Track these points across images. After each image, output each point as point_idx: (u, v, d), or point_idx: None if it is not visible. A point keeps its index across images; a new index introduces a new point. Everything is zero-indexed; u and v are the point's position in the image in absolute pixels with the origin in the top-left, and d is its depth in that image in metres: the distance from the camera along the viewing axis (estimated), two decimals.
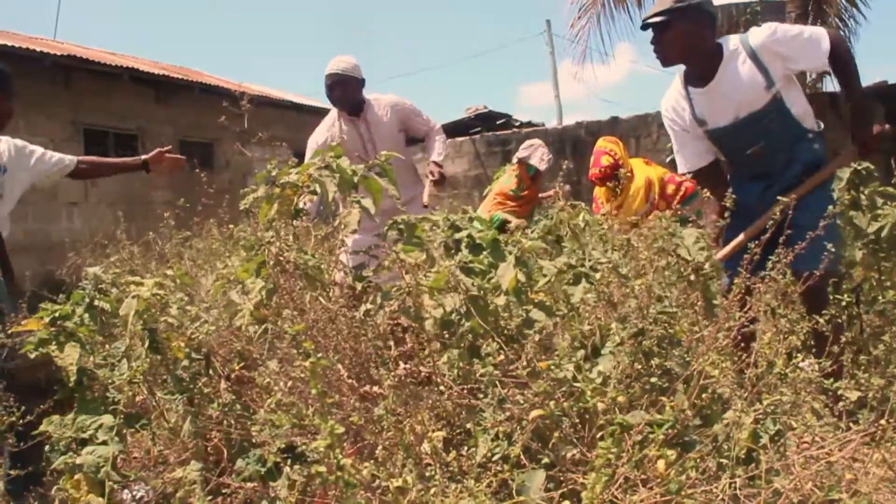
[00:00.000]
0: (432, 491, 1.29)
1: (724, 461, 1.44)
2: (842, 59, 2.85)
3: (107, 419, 2.41)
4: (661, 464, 1.20)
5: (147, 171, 3.60)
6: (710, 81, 2.99)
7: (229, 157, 12.98)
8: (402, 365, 1.79)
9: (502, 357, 1.65)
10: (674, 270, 2.21)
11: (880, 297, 3.07)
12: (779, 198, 2.41)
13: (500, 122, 14.32)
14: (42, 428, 2.41)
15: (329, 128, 4.44)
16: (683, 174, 3.26)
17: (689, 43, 2.97)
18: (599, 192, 5.40)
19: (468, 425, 1.67)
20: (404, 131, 4.48)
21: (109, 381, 2.46)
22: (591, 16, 10.00)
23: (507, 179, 6.19)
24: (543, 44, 23.28)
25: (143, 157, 3.60)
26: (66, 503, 2.05)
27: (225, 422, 2.06)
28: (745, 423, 1.62)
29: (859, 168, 3.06)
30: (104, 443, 2.30)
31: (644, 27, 3.03)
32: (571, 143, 11.11)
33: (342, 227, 2.52)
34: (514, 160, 6.20)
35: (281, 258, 2.11)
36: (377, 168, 2.50)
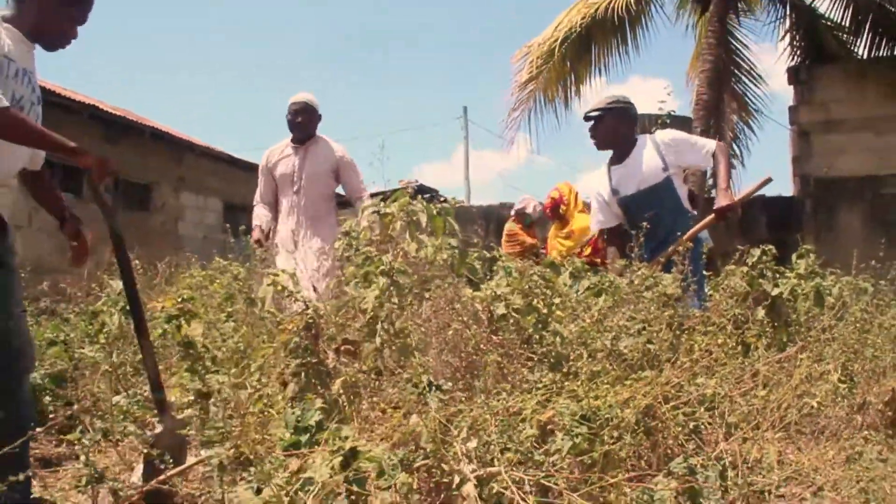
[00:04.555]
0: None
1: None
2: (718, 158, 4.09)
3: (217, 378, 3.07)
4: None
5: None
6: (626, 160, 4.25)
7: (165, 200, 13.38)
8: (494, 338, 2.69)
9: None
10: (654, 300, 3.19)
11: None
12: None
13: (427, 196, 15.39)
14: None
15: (280, 152, 5.17)
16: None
17: (613, 133, 4.27)
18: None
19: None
20: (336, 177, 5.10)
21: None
22: (524, 109, 11.51)
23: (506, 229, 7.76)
24: (459, 128, 25.13)
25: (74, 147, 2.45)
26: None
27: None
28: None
29: (765, 249, 4.18)
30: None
31: (586, 119, 4.33)
32: (496, 221, 12.24)
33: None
34: (512, 213, 7.86)
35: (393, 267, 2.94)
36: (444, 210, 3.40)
